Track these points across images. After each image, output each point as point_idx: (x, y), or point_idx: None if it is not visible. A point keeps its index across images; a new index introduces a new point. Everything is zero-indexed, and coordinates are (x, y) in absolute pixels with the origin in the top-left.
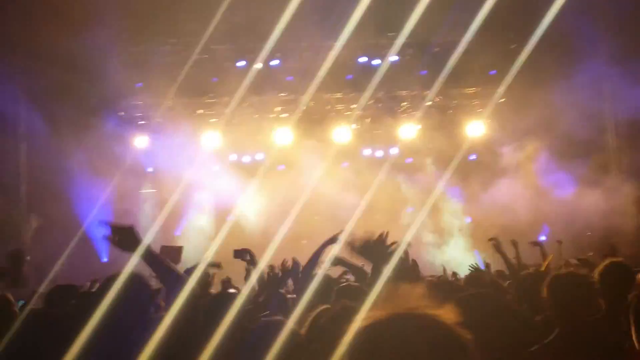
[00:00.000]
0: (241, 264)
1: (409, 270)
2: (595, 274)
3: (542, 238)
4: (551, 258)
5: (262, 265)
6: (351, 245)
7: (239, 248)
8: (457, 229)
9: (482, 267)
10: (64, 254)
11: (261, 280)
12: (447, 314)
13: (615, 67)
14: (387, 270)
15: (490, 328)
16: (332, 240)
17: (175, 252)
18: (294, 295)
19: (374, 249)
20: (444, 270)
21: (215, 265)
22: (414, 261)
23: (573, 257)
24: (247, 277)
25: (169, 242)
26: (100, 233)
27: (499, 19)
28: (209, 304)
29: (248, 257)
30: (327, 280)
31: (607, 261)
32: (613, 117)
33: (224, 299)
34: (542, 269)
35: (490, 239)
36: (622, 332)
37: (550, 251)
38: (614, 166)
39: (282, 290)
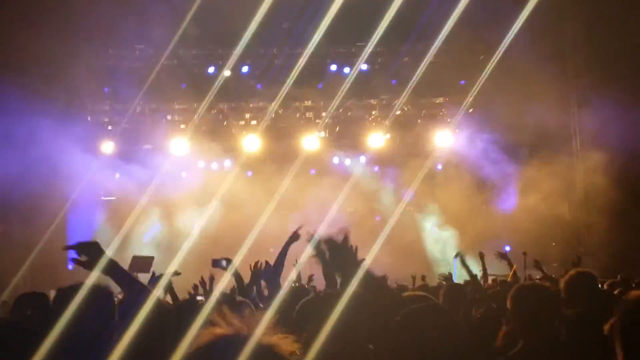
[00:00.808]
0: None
1: (375, 283)
2: (562, 284)
3: (507, 249)
4: (514, 269)
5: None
6: (323, 245)
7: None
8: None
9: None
10: (26, 261)
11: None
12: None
13: (582, 77)
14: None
15: (432, 345)
16: (294, 237)
17: (145, 262)
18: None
19: (344, 256)
20: (413, 279)
21: (175, 273)
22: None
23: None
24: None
25: (135, 249)
26: (68, 255)
27: (469, 30)
28: (174, 312)
29: (225, 265)
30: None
31: (573, 271)
32: (578, 126)
33: (189, 308)
34: (509, 279)
35: (456, 255)
36: (591, 342)
37: (515, 262)
38: (579, 177)
39: (252, 297)
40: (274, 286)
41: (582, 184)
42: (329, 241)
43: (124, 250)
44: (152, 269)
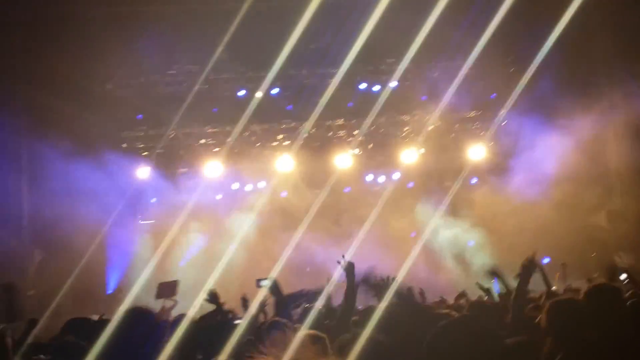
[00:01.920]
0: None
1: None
2: (581, 295)
3: (546, 260)
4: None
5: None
6: (366, 282)
7: (167, 281)
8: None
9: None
10: (65, 285)
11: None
12: None
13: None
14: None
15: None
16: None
17: (171, 287)
18: None
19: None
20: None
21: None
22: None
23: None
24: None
25: (173, 272)
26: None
27: (498, 42)
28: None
29: (268, 284)
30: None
31: (591, 285)
32: (616, 137)
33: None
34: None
35: (490, 273)
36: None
37: (555, 274)
38: (616, 188)
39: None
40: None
41: (620, 192)
42: (364, 281)
43: (163, 273)
44: (177, 292)
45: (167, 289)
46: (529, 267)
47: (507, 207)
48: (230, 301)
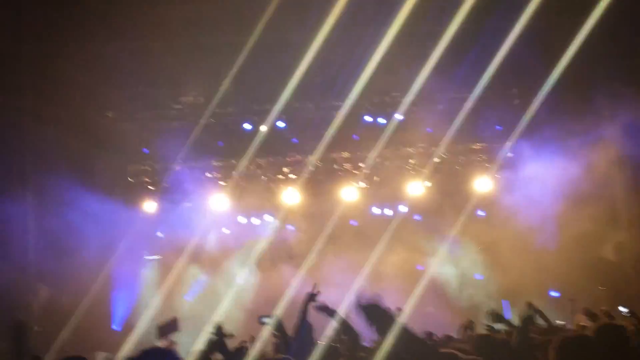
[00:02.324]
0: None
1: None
2: (589, 332)
3: (555, 295)
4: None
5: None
6: (358, 304)
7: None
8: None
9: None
10: (70, 322)
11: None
12: None
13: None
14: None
15: None
16: (311, 297)
17: (172, 324)
18: None
19: (379, 315)
20: (464, 328)
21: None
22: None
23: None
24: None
25: (179, 307)
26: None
27: (503, 74)
28: None
29: (270, 322)
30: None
31: (598, 323)
32: (621, 168)
33: None
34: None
35: (490, 314)
36: None
37: (565, 309)
38: (623, 219)
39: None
40: (306, 343)
41: (626, 225)
42: (366, 307)
43: (169, 308)
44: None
45: (167, 327)
46: (528, 315)
47: (513, 241)
48: (238, 333)
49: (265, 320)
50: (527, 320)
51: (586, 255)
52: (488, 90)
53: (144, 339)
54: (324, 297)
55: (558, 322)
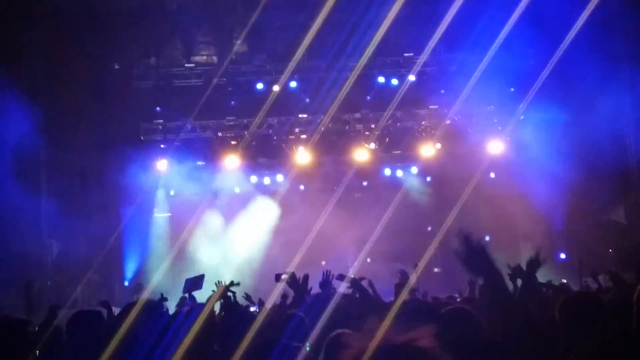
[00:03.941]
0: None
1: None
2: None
3: (562, 256)
4: None
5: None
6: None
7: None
8: None
9: None
10: (83, 278)
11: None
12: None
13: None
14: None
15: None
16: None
17: (197, 281)
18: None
19: (482, 265)
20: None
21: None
22: None
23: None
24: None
25: (191, 264)
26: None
27: (517, 36)
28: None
29: (287, 279)
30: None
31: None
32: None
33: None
34: None
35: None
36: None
37: (572, 270)
38: (635, 183)
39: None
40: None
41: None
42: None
43: (180, 266)
44: (202, 285)
45: (193, 284)
46: (533, 264)
47: (522, 204)
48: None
49: (283, 276)
50: (532, 264)
51: (596, 218)
52: (502, 51)
53: (154, 295)
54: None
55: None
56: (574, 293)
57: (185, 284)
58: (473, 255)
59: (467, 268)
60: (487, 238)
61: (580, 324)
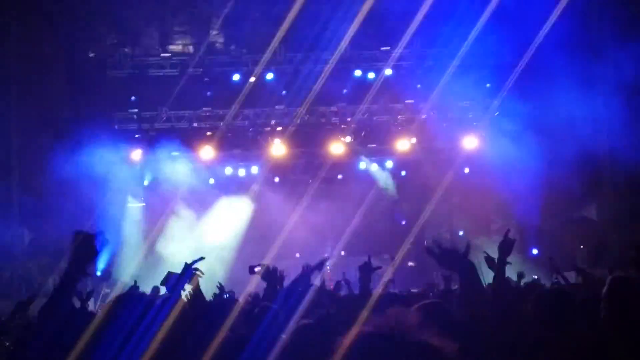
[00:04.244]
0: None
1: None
2: None
3: (535, 252)
4: None
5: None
6: (434, 248)
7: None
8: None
9: None
10: (55, 267)
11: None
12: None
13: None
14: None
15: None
16: (320, 267)
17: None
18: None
19: (456, 259)
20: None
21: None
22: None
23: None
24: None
25: (163, 255)
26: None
27: (494, 31)
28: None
29: (261, 271)
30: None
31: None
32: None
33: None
34: None
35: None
36: None
37: (543, 266)
38: (607, 180)
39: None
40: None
41: (610, 185)
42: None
43: (154, 256)
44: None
45: (178, 280)
46: (506, 244)
47: (496, 198)
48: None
49: (256, 269)
50: (504, 245)
51: (568, 215)
52: (478, 46)
53: (125, 286)
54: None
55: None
56: (547, 288)
57: (166, 276)
58: (446, 255)
59: (441, 265)
60: (461, 233)
61: (553, 318)
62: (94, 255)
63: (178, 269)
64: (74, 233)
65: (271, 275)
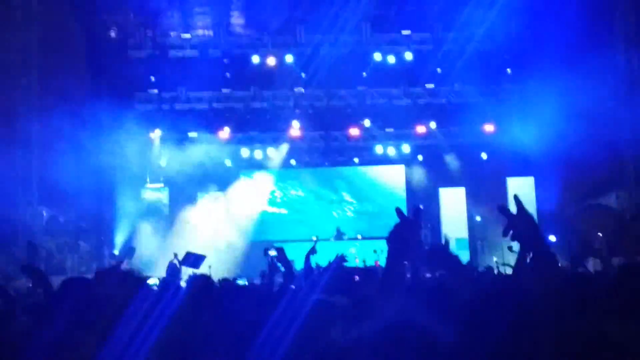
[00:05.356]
0: None
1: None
2: None
3: (552, 239)
4: None
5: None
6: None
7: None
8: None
9: None
10: (73, 245)
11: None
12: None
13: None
14: None
15: None
16: (313, 251)
17: (197, 259)
18: None
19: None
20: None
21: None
22: None
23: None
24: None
25: (183, 234)
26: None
27: (514, 17)
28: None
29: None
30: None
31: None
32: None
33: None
34: None
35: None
36: None
37: (562, 253)
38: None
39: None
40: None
41: (631, 174)
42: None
43: (173, 236)
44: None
45: (193, 259)
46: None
47: (513, 185)
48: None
49: (270, 251)
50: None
51: (587, 202)
52: (499, 31)
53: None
54: None
55: None
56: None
57: (186, 256)
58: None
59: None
60: (478, 218)
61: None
62: None
63: (195, 248)
64: None
65: (285, 258)
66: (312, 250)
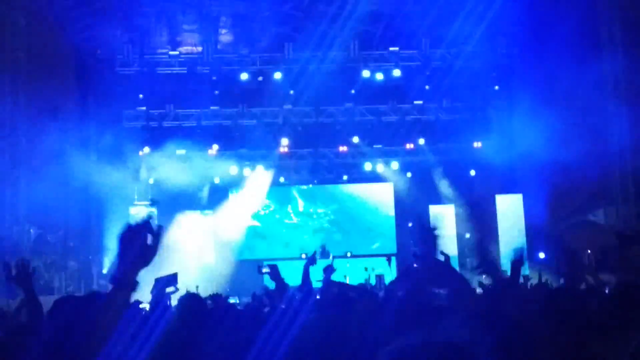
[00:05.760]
0: None
1: None
2: None
3: (541, 255)
4: None
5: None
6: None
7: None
8: None
9: None
10: (61, 265)
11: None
12: None
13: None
14: None
15: None
16: (312, 261)
17: (170, 279)
18: None
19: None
20: None
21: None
22: None
23: None
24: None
25: (174, 254)
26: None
27: (501, 33)
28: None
29: (269, 272)
30: None
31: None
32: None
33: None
34: None
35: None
36: None
37: (550, 270)
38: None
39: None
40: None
41: (618, 190)
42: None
43: (161, 255)
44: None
45: (164, 283)
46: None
47: (502, 202)
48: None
49: (264, 269)
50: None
51: (575, 218)
52: (485, 47)
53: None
54: None
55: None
56: (556, 289)
57: (155, 284)
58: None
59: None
60: (467, 235)
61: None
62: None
63: (182, 268)
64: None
65: (278, 275)
66: (312, 261)
